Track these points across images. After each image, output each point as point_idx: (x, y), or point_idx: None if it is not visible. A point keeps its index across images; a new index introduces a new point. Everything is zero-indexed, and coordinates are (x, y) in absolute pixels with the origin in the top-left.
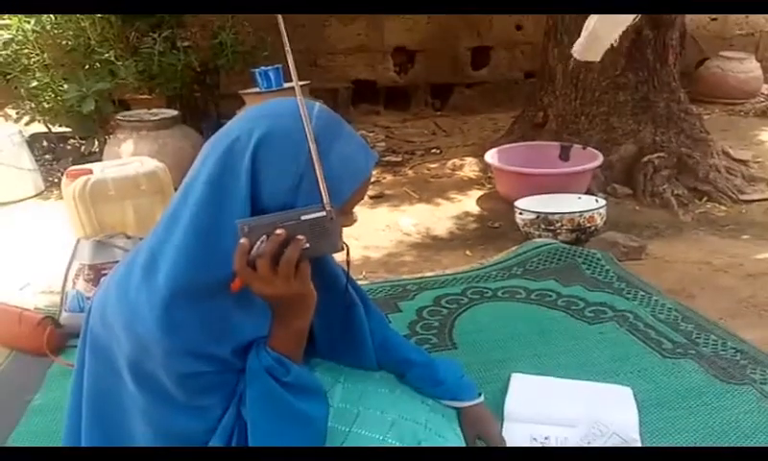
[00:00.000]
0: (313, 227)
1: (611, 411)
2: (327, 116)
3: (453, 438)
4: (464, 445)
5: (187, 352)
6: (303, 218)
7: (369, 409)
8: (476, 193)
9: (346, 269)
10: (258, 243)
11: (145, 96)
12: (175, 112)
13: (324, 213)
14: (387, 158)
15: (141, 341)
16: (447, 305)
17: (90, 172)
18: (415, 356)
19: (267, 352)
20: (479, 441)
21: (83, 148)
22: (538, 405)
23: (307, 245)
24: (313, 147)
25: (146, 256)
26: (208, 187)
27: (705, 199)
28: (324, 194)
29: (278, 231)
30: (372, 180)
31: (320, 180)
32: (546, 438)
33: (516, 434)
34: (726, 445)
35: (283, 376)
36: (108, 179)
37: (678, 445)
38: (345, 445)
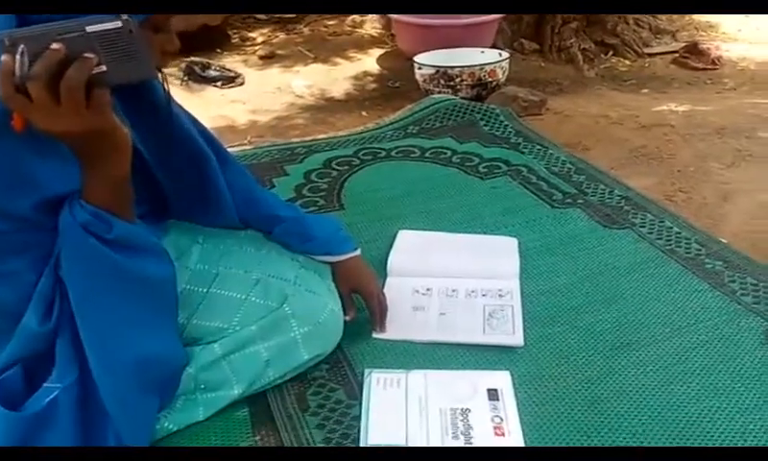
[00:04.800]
0: (108, 43)
1: (493, 260)
2: None
3: (326, 293)
4: (338, 301)
5: None
6: (90, 29)
7: (230, 269)
8: (377, 52)
9: (167, 100)
10: (18, 57)
11: None
12: None
13: (118, 24)
14: (279, 15)
15: None
16: (338, 167)
17: None
18: (284, 211)
19: (81, 207)
20: (356, 296)
21: None
22: (422, 259)
23: (103, 67)
24: None
25: None
26: None
27: (610, 53)
28: None
29: (55, 46)
30: (263, 39)
31: None
32: (428, 290)
33: (397, 288)
34: (601, 284)
35: (105, 232)
36: None
37: (558, 286)
38: (202, 307)
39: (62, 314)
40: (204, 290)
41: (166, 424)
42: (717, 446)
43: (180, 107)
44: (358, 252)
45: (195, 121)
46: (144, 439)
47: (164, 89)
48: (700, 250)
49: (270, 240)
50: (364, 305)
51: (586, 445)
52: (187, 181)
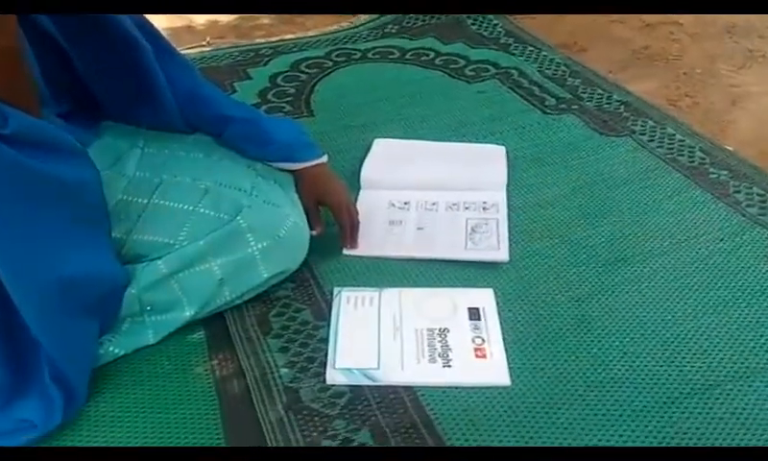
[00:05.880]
0: None
1: (478, 170)
2: None
3: (287, 205)
4: (302, 213)
5: None
6: None
7: (175, 177)
8: None
9: None
10: None
11: None
12: None
13: None
14: None
15: None
16: (307, 70)
17: None
18: (236, 112)
19: None
20: (325, 209)
21: None
22: (399, 170)
23: None
24: None
25: None
26: None
27: None
28: None
29: None
30: None
31: None
32: (406, 203)
33: (371, 201)
34: (595, 195)
35: None
36: None
37: (548, 198)
38: (143, 220)
39: None
40: (145, 201)
41: (111, 349)
42: (714, 369)
43: None
44: (325, 158)
45: None
46: (82, 365)
47: None
48: (704, 158)
49: (222, 145)
50: (333, 219)
51: (573, 365)
52: (113, 71)
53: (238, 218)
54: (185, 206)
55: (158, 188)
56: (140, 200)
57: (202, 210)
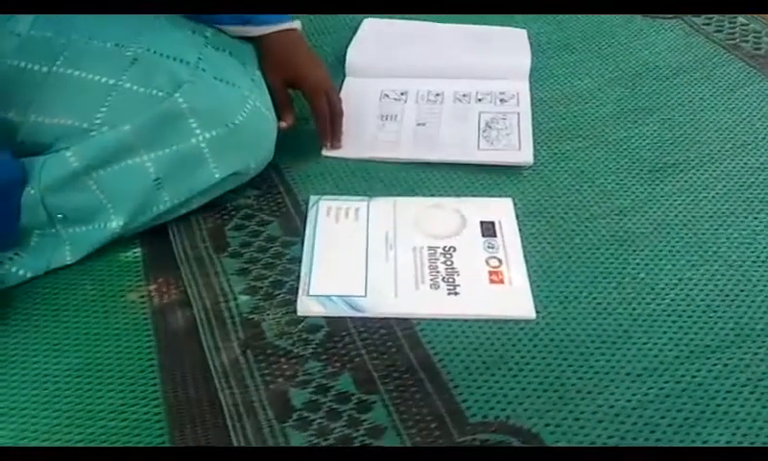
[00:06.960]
0: None
1: (494, 55)
2: None
3: (246, 84)
4: (266, 95)
5: None
6: None
7: (90, 40)
8: None
9: None
10: None
11: None
12: None
13: None
14: None
15: None
16: None
17: None
18: None
19: None
20: (297, 94)
21: None
22: (394, 53)
23: None
24: None
25: None
26: None
27: None
28: None
29: None
30: None
31: None
32: (402, 93)
33: (359, 90)
34: (638, 88)
35: None
36: None
37: (580, 90)
38: (43, 94)
39: None
40: (45, 69)
41: (14, 269)
42: None
43: None
44: (297, 24)
45: None
46: None
47: None
48: None
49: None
50: (309, 111)
51: (614, 294)
52: None
53: (176, 96)
54: (104, 79)
55: (65, 52)
56: (38, 67)
57: (127, 85)
